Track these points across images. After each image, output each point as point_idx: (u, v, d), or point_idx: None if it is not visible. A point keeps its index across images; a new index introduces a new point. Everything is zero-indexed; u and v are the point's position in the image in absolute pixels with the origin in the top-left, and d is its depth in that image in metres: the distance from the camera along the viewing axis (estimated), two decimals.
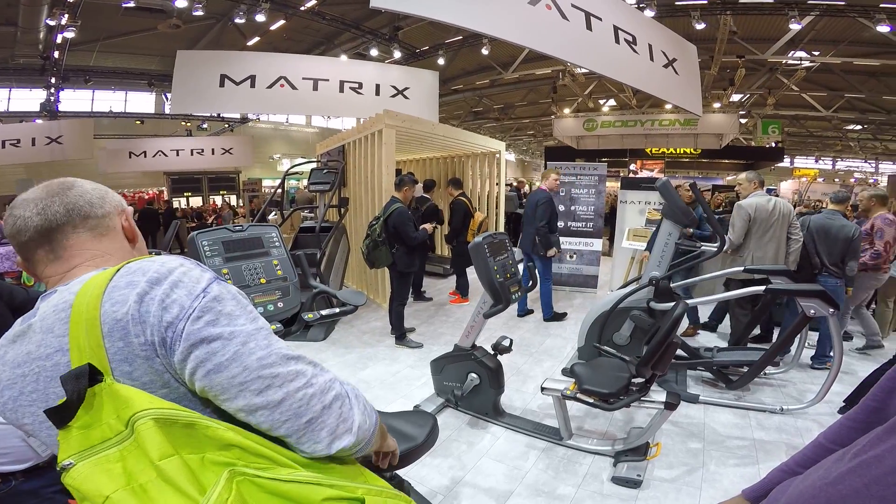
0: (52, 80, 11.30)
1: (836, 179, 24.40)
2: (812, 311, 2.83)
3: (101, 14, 9.25)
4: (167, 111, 14.24)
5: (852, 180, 24.17)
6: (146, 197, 16.67)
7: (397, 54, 10.74)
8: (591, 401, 2.42)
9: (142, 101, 15.27)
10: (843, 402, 3.05)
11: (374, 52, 10.70)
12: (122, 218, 0.84)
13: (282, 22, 9.53)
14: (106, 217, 0.81)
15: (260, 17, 8.73)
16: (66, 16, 8.25)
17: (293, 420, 0.68)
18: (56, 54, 10.30)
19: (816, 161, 24.65)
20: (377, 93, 9.00)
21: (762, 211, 3.58)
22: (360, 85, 8.93)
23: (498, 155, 7.26)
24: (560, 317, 5.19)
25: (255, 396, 0.66)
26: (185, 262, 0.72)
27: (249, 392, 0.65)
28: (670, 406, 2.36)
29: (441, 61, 11.09)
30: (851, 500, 0.58)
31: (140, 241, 0.89)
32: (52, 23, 8.50)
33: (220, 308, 0.67)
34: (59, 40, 9.43)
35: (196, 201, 16.86)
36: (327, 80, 8.71)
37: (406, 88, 9.23)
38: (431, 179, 6.66)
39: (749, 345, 3.85)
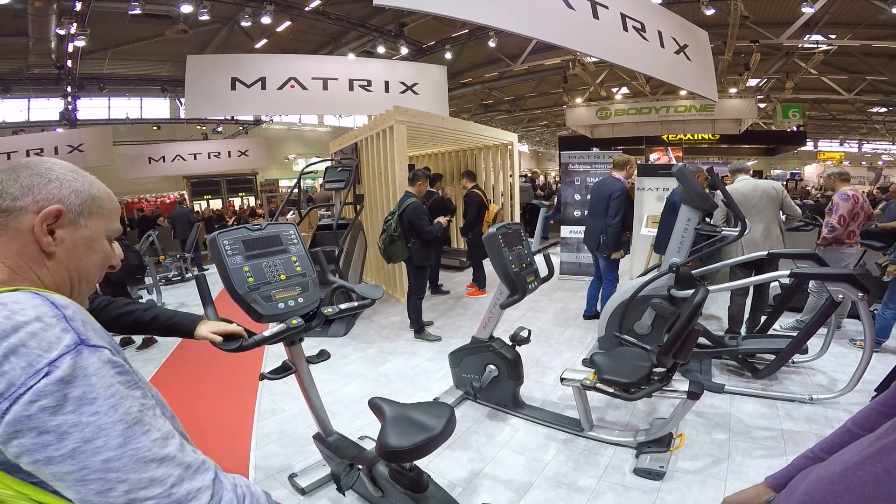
0: (68, 89, 11.59)
1: (864, 162, 23.67)
2: (840, 296, 2.75)
3: (109, 22, 9.47)
4: (182, 116, 14.50)
5: (880, 163, 23.42)
6: (168, 201, 17.06)
7: (404, 50, 10.75)
8: (611, 391, 2.39)
9: (157, 107, 15.57)
10: (875, 390, 2.96)
11: (381, 50, 10.73)
12: (36, 219, 0.66)
13: (287, 23, 9.62)
14: (12, 213, 0.65)
15: (265, 20, 8.82)
16: (75, 25, 8.44)
17: None
18: (69, 63, 10.55)
19: (841, 144, 23.91)
20: (386, 90, 9.04)
21: (739, 195, 3.81)
22: (369, 82, 8.98)
23: (510, 146, 7.23)
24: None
25: (94, 495, 0.56)
26: (46, 312, 0.57)
27: (87, 489, 0.55)
28: (693, 396, 2.32)
29: (448, 55, 11.07)
30: (871, 485, 0.56)
31: (71, 259, 0.70)
32: (61, 32, 8.72)
33: (67, 391, 0.54)
34: (70, 49, 9.65)
35: (216, 203, 17.21)
36: (336, 79, 8.78)
37: (415, 84, 9.24)
38: (437, 173, 6.66)
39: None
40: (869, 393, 2.99)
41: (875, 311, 4.35)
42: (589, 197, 4.64)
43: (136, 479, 0.57)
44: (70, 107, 11.97)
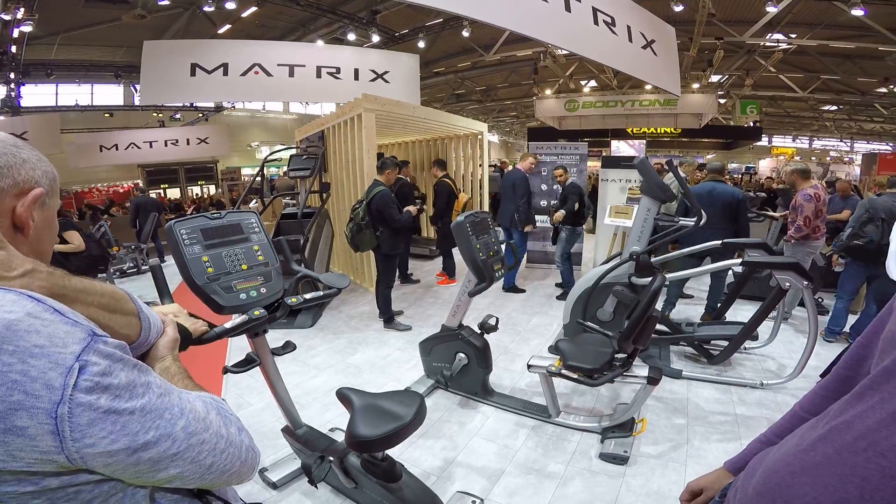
0: (12, 76, 10.82)
1: (813, 158, 24.97)
2: (787, 284, 2.90)
3: (60, 6, 8.86)
4: (137, 102, 13.80)
5: (828, 158, 24.78)
6: (121, 190, 16.26)
7: (376, 38, 10.53)
8: (575, 377, 2.45)
9: (109, 94, 14.76)
10: (820, 376, 3.14)
11: (351, 37, 10.46)
12: (18, 201, 0.63)
13: (253, 9, 9.23)
14: None
15: (230, 5, 8.45)
16: (22, 10, 7.86)
17: (217, 476, 0.65)
18: (14, 49, 9.83)
19: (794, 140, 25.17)
20: (356, 77, 8.85)
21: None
22: (338, 70, 8.77)
23: (480, 136, 7.24)
24: (518, 290, 5.55)
25: (188, 464, 0.60)
26: (33, 307, 0.51)
27: (183, 460, 0.59)
28: (653, 381, 2.41)
29: (421, 44, 10.92)
30: (824, 466, 0.59)
31: (39, 241, 0.68)
32: (7, 17, 8.11)
33: (112, 381, 0.53)
34: (15, 34, 8.99)
35: (174, 193, 16.52)
36: (304, 65, 8.53)
37: (386, 72, 9.09)
38: (404, 160, 6.64)
39: None
40: (814, 378, 3.17)
41: (819, 299, 4.64)
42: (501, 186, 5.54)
43: (209, 436, 0.62)
44: (13, 94, 11.21)
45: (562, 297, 5.27)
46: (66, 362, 0.50)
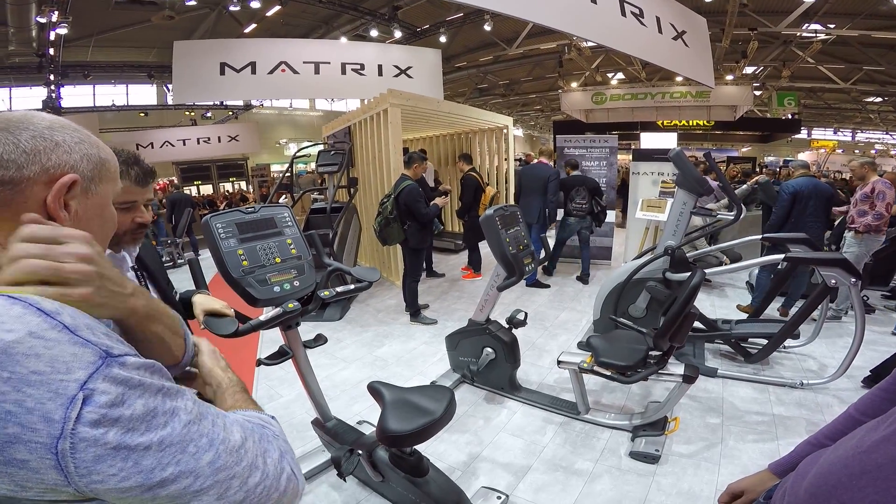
0: (51, 77, 11.27)
1: (857, 151, 23.78)
2: (833, 281, 2.77)
3: (93, 9, 9.17)
4: (170, 102, 14.23)
5: (873, 152, 23.56)
6: (157, 187, 16.82)
7: (398, 34, 10.57)
8: (607, 374, 2.40)
9: (143, 93, 15.24)
10: (870, 371, 2.99)
11: (374, 33, 10.54)
12: (48, 190, 0.57)
13: (277, 7, 9.38)
14: (18, 185, 0.55)
15: (255, 4, 8.62)
16: (56, 12, 8.17)
17: None
18: (52, 51, 10.24)
19: (835, 133, 23.98)
20: (380, 73, 8.90)
21: None
22: (362, 66, 8.84)
23: (505, 130, 7.20)
24: (542, 286, 5.44)
25: (215, 500, 0.54)
26: (38, 324, 0.45)
27: (208, 496, 0.53)
28: (688, 379, 2.34)
29: (443, 39, 10.90)
30: (887, 468, 0.56)
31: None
32: (42, 20, 8.45)
33: (124, 412, 0.47)
34: (52, 37, 9.36)
35: (206, 189, 17.03)
36: (328, 62, 8.63)
37: (409, 67, 9.11)
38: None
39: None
40: (859, 378, 3.03)
41: (865, 298, 4.43)
42: (520, 179, 5.46)
43: (240, 469, 0.55)
44: (54, 95, 11.67)
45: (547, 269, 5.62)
46: (67, 392, 0.44)
